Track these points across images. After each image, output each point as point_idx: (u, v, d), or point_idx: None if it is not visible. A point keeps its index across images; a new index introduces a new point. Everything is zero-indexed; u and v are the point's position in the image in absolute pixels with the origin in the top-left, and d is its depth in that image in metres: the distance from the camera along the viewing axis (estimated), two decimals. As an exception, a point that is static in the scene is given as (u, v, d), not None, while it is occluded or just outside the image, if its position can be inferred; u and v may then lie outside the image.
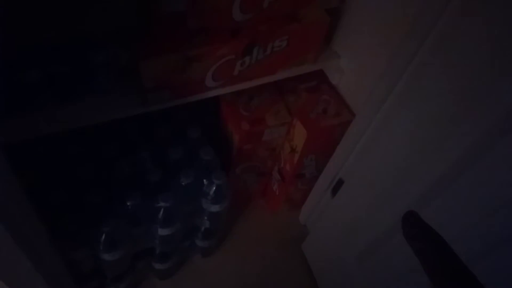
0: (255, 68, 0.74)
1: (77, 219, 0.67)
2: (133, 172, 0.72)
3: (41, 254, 0.59)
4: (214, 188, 0.75)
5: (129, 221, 0.70)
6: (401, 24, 0.66)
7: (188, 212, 0.78)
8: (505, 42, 0.47)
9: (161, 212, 0.70)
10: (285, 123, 0.85)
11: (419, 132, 0.61)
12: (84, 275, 0.77)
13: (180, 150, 0.75)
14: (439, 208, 0.59)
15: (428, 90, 0.59)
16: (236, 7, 0.64)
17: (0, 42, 0.52)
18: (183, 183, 0.72)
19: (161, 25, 0.62)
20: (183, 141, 0.77)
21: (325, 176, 0.94)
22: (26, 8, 0.53)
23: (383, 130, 0.70)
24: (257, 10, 0.67)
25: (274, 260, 1.05)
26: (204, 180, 0.76)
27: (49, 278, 0.59)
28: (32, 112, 0.62)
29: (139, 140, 0.77)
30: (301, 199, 1.08)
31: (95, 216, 0.67)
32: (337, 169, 0.87)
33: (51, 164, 0.70)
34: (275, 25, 0.70)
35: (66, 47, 0.59)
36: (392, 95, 0.68)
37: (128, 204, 0.68)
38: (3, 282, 0.52)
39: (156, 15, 0.61)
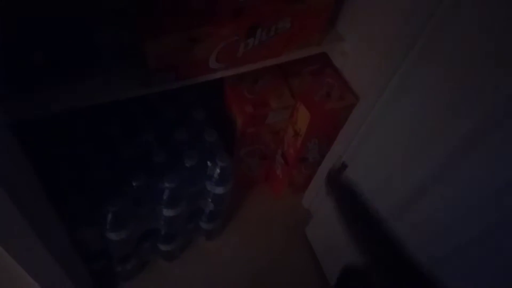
0: (258, 50, 0.74)
1: (83, 199, 0.68)
2: (138, 152, 0.73)
3: (48, 232, 0.61)
4: (218, 170, 0.75)
5: (135, 201, 0.71)
6: (406, 6, 0.66)
7: (193, 194, 0.79)
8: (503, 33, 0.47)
9: (166, 193, 0.71)
10: (289, 106, 0.86)
11: (419, 117, 0.61)
12: (91, 255, 0.78)
13: (184, 131, 0.75)
14: (441, 194, 0.60)
15: (428, 75, 0.59)
16: (240, -14, 0.65)
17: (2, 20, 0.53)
18: (187, 165, 0.73)
19: (165, 4, 0.63)
20: (187, 123, 0.78)
21: (328, 160, 0.94)
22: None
23: (386, 115, 0.70)
24: (261, -10, 0.67)
25: (278, 243, 1.06)
26: (208, 162, 0.76)
27: (58, 256, 0.61)
28: (35, 91, 0.63)
29: (143, 121, 0.78)
30: (304, 183, 1.08)
31: (101, 196, 0.68)
32: (340, 153, 0.88)
33: (57, 144, 0.70)
34: (278, 6, 0.70)
35: (69, 26, 0.60)
36: (395, 79, 0.68)
37: (133, 184, 0.69)
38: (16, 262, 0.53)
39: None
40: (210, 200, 0.83)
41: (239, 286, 0.98)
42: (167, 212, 0.74)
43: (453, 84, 0.55)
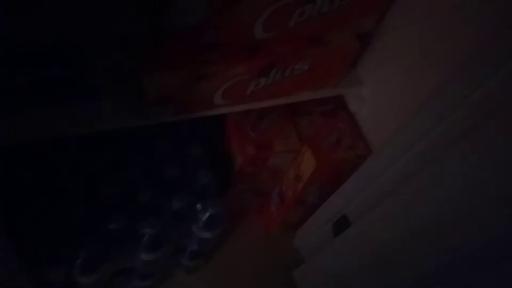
0: (270, 89, 0.66)
1: (53, 237, 0.60)
2: (121, 189, 0.65)
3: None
4: (208, 215, 0.68)
5: (111, 244, 0.63)
6: (443, 61, 0.58)
7: (176, 236, 0.71)
8: None
9: (147, 237, 0.64)
10: (294, 150, 0.78)
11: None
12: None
13: (175, 168, 0.67)
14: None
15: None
16: (259, 24, 0.56)
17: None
18: (174, 208, 0.65)
19: (172, 37, 0.54)
20: (180, 158, 0.70)
21: (326, 208, 0.87)
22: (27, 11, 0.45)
23: (418, 179, 0.61)
24: (281, 29, 0.59)
25: (263, 282, 0.99)
26: (198, 205, 0.69)
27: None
28: (20, 116, 0.55)
29: (132, 153, 0.69)
30: (298, 221, 1.01)
31: (74, 235, 0.60)
32: (342, 205, 0.81)
33: (32, 173, 0.62)
34: (298, 47, 0.62)
35: (62, 49, 0.52)
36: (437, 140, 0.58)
37: (110, 227, 0.61)
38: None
39: (168, 26, 0.53)
40: (195, 242, 0.75)
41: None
42: (145, 256, 0.67)
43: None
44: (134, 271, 0.75)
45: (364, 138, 0.78)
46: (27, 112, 0.55)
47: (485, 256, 0.49)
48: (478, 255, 0.50)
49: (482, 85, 0.49)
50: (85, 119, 0.58)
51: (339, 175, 0.80)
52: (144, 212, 0.64)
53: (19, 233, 0.56)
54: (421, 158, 0.59)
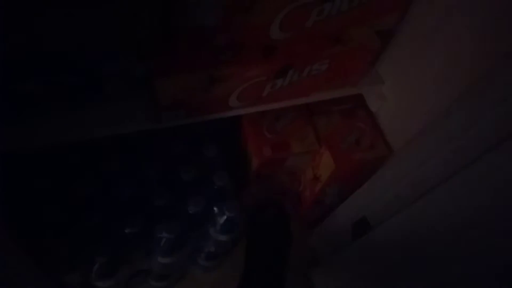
0: (287, 90, 0.64)
1: (70, 242, 0.60)
2: (136, 192, 0.65)
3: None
4: (225, 218, 0.67)
5: (127, 249, 0.63)
6: (472, 60, 0.55)
7: (193, 239, 0.70)
8: None
9: (163, 242, 0.63)
10: (312, 151, 0.76)
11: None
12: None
13: (191, 171, 0.66)
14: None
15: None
16: (275, 24, 0.54)
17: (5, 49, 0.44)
18: (190, 212, 0.64)
19: (185, 39, 0.53)
20: (196, 160, 0.69)
21: (345, 209, 0.85)
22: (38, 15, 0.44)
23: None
24: (299, 29, 0.56)
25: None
26: (215, 208, 0.68)
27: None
28: (34, 121, 0.54)
29: (146, 157, 0.68)
30: (316, 221, 1.00)
31: (90, 240, 0.60)
32: (361, 207, 0.78)
33: (47, 178, 0.62)
34: (317, 47, 0.60)
35: (73, 52, 0.51)
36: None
37: (127, 230, 0.60)
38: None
39: (181, 29, 0.51)
40: (211, 243, 0.75)
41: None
42: (162, 260, 0.66)
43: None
44: (150, 273, 0.75)
45: (384, 138, 0.75)
46: (43, 118, 0.55)
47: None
48: (506, 267, 0.47)
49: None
50: (97, 124, 0.57)
51: (358, 176, 0.78)
52: (162, 216, 0.63)
53: (37, 237, 0.56)
54: (449, 162, 0.56)
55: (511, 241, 0.46)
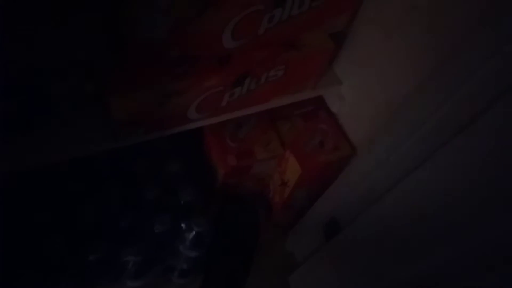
0: (246, 98, 0.63)
1: (27, 271, 0.57)
2: (98, 216, 0.62)
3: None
4: (193, 234, 0.65)
5: (94, 275, 0.60)
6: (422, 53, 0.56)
7: (162, 257, 0.68)
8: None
9: (131, 265, 0.61)
10: (277, 155, 0.76)
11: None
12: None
13: (154, 190, 0.64)
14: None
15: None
16: (227, 33, 0.53)
17: None
18: (157, 231, 0.62)
19: (136, 54, 0.51)
20: (159, 176, 0.67)
21: (315, 212, 0.85)
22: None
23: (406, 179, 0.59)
24: (252, 37, 0.56)
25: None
26: (183, 225, 0.66)
27: None
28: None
29: (106, 176, 0.66)
30: (289, 224, 0.99)
31: (50, 269, 0.56)
32: (330, 209, 0.79)
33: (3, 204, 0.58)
34: (271, 53, 0.60)
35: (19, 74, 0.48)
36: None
37: (90, 259, 0.58)
38: None
39: (131, 44, 0.49)
40: (183, 260, 0.73)
41: None
42: (132, 283, 0.64)
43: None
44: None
45: (347, 138, 0.76)
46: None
47: (481, 257, 0.47)
48: (474, 256, 0.48)
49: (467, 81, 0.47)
50: (50, 148, 0.55)
51: (325, 177, 0.78)
52: (127, 237, 0.61)
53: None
54: (408, 158, 0.57)
55: (475, 227, 0.47)
